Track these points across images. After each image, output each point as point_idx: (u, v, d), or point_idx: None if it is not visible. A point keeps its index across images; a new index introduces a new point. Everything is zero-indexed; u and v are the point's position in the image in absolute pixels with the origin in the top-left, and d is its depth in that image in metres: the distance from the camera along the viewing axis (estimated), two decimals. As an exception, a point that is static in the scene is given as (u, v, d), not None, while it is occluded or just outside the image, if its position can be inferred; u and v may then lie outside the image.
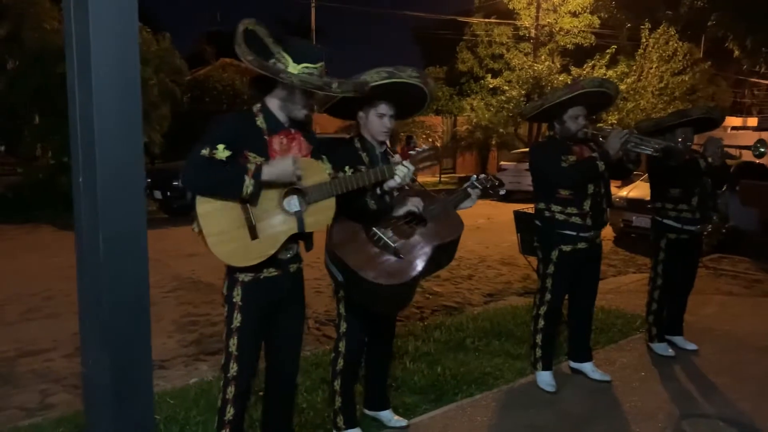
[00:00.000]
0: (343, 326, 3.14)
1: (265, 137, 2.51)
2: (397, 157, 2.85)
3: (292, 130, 2.59)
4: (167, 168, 12.31)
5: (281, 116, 2.56)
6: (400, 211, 2.96)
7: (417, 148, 2.80)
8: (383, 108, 3.03)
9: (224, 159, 2.36)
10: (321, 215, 2.54)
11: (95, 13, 2.37)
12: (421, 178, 18.98)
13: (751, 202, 9.28)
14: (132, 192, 2.26)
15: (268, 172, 2.39)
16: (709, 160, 4.39)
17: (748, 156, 4.65)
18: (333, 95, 2.66)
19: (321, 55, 2.51)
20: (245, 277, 2.53)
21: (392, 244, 2.82)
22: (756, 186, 9.55)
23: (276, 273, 2.57)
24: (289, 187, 2.47)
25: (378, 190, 2.79)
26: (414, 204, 2.97)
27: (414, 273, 2.79)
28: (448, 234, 3.01)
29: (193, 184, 2.37)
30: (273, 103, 2.56)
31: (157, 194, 12.06)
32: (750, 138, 29.39)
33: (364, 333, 3.20)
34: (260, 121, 2.52)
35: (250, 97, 3.05)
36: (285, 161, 2.43)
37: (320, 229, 2.58)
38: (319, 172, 2.55)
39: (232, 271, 2.53)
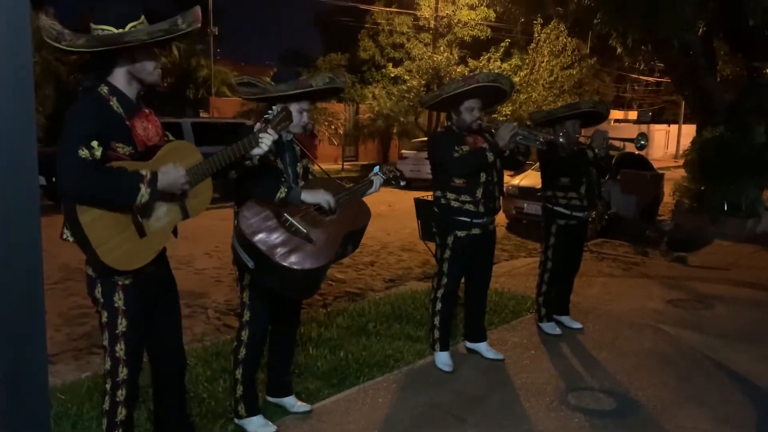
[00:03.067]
0: (247, 315, 3.12)
1: (126, 123, 2.35)
2: (257, 125, 2.80)
3: (147, 111, 2.47)
4: (52, 152, 11.55)
5: (131, 93, 2.40)
6: (310, 200, 2.98)
7: (270, 112, 2.75)
8: (306, 104, 3.09)
9: (99, 158, 2.21)
10: (201, 197, 2.48)
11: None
12: (324, 166, 18.81)
13: (630, 190, 9.99)
14: (25, 177, 2.11)
15: (162, 179, 2.27)
16: (596, 150, 4.69)
17: (630, 147, 4.98)
18: (182, 32, 2.34)
19: (139, 11, 2.35)
20: (125, 281, 2.39)
21: (304, 230, 2.83)
22: (635, 175, 10.30)
23: (153, 268, 2.46)
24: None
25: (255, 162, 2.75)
26: (325, 200, 2.99)
27: (327, 258, 2.83)
28: (358, 221, 3.09)
29: (79, 194, 2.18)
30: (120, 80, 2.36)
31: (41, 180, 11.30)
32: (631, 129, 31.51)
33: (268, 322, 3.20)
34: (115, 105, 2.33)
35: (85, 87, 2.76)
36: (177, 171, 2.32)
37: (201, 213, 2.51)
38: (192, 153, 2.46)
39: (107, 275, 2.37)
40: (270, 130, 2.63)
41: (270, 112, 2.75)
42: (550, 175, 4.83)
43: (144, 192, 2.21)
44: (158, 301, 2.57)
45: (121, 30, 2.26)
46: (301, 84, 3.00)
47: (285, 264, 2.70)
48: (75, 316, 5.31)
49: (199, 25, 2.38)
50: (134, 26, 2.27)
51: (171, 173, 2.31)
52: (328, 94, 3.37)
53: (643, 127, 33.22)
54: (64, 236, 2.32)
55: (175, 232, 2.55)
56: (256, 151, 2.60)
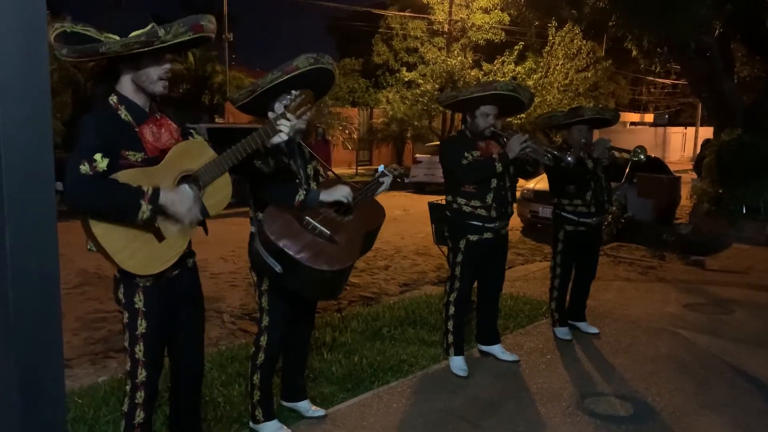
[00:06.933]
0: (266, 320, 3.13)
1: (135, 130, 2.35)
2: (279, 107, 2.75)
3: (158, 116, 2.45)
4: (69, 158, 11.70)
5: (140, 101, 2.40)
6: (330, 199, 2.98)
7: (288, 96, 2.67)
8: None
9: (105, 169, 2.19)
10: (219, 195, 2.46)
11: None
12: (338, 170, 18.91)
13: (646, 194, 9.90)
14: (42, 182, 2.14)
15: (165, 197, 2.24)
16: (594, 156, 4.66)
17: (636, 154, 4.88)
18: (166, 43, 2.25)
19: (147, 19, 2.29)
20: (146, 282, 2.41)
21: (327, 232, 2.85)
22: (651, 179, 10.20)
23: (176, 272, 2.48)
24: (180, 175, 2.35)
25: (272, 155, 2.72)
26: (344, 195, 2.99)
27: (352, 258, 2.85)
28: (375, 221, 3.11)
29: (81, 208, 2.17)
30: (127, 88, 2.37)
31: (58, 185, 11.41)
32: (647, 133, 31.06)
33: (286, 327, 3.20)
34: (124, 113, 2.34)
35: (96, 96, 2.81)
36: (186, 195, 2.28)
37: (221, 210, 2.49)
38: (204, 151, 2.44)
39: (129, 276, 2.38)
40: (289, 116, 2.56)
41: (288, 96, 2.67)
42: (555, 182, 4.81)
43: (145, 208, 2.19)
44: (181, 306, 2.58)
45: (123, 38, 2.23)
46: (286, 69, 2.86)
47: (316, 267, 2.72)
48: (92, 321, 5.35)
49: (202, 33, 2.30)
50: (135, 34, 2.23)
51: (179, 195, 2.28)
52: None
53: (659, 131, 32.97)
54: (89, 247, 2.33)
55: (205, 229, 2.56)
56: (276, 140, 2.54)
